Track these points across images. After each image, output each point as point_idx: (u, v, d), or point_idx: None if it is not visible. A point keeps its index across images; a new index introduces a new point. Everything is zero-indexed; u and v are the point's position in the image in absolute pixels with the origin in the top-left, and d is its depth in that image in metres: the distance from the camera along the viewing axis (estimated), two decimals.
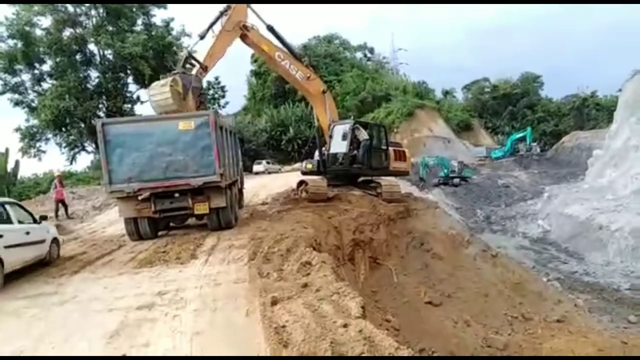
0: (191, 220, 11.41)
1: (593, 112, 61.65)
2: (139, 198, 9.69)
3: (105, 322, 5.01)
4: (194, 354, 4.10)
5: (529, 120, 62.70)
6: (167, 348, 4.24)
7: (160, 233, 10.43)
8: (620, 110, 26.92)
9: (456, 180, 37.57)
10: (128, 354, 4.22)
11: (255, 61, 54.91)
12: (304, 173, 14.39)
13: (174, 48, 32.50)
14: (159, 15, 33.56)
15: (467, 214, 29.61)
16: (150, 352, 4.20)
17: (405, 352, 3.45)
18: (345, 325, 3.98)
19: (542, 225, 23.11)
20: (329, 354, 3.41)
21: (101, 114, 30.07)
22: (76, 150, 32.35)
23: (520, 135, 50.84)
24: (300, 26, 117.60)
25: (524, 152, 50.14)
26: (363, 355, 3.37)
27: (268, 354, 3.79)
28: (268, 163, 38.26)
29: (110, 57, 30.78)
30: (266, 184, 20.63)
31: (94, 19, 30.12)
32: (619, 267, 14.64)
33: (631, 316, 10.40)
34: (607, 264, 15.28)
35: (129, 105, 33.10)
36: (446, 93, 68.99)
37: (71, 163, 32.79)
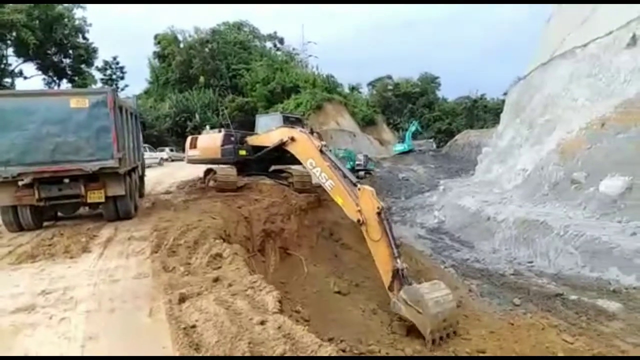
0: (83, 210, 10.28)
1: (481, 113, 67.59)
2: (20, 184, 8.46)
3: None
4: None
5: (426, 119, 67.23)
6: None
7: (45, 224, 9.23)
8: (506, 112, 29.58)
9: (361, 173, 38.84)
10: None
11: (159, 42, 51.69)
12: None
13: (65, 20, 29.33)
14: None
15: None
16: None
17: (327, 349, 3.29)
18: (262, 322, 3.73)
19: (438, 216, 24.52)
20: (247, 355, 3.14)
21: None
22: None
23: (413, 129, 54.31)
24: (209, 10, 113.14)
25: (424, 143, 53.61)
26: (285, 355, 3.14)
27: None
28: (171, 150, 35.96)
29: None
30: (171, 172, 19.47)
31: None
32: (504, 254, 15.98)
33: (515, 299, 11.35)
34: (494, 251, 16.59)
35: (9, 80, 29.28)
36: (352, 88, 71.01)
37: None
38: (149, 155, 28.91)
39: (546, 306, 10.68)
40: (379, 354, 7.25)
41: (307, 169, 10.06)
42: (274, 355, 3.16)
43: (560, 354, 7.78)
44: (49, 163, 8.33)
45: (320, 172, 9.17)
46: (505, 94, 42.07)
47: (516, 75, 31.75)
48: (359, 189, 8.02)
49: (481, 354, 7.59)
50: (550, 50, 23.91)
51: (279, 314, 3.98)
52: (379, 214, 7.66)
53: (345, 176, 9.03)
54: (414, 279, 8.56)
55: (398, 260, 7.81)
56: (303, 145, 10.23)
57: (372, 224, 7.74)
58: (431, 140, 57.45)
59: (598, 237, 12.42)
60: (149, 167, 25.25)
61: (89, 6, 33.52)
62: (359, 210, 7.93)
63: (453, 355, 7.41)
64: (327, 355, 3.20)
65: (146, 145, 30.75)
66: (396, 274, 7.83)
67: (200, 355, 3.30)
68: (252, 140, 13.41)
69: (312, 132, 11.70)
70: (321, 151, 9.45)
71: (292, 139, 10.61)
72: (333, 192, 8.86)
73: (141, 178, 12.73)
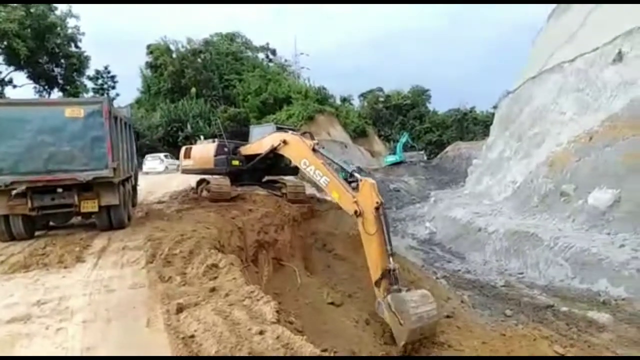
0: (75, 219, 10.22)
1: (471, 125, 68.31)
2: (13, 193, 8.41)
3: None
4: None
5: (417, 130, 67.91)
6: None
7: (37, 233, 9.14)
8: (495, 125, 29.95)
9: (353, 184, 38.93)
10: None
11: (151, 52, 51.72)
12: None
13: (58, 29, 29.26)
14: None
15: None
16: None
17: None
18: (261, 332, 3.75)
19: (429, 227, 24.71)
20: None
21: None
22: None
23: (404, 140, 54.88)
24: (202, 19, 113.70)
25: (415, 154, 54.17)
26: None
27: None
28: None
29: None
30: (163, 182, 19.39)
31: None
32: (495, 265, 16.13)
33: (507, 310, 11.46)
34: (485, 263, 16.73)
35: (0, 88, 29.03)
36: (344, 100, 71.50)
37: None
38: (171, 162, 30.47)
39: (537, 317, 10.78)
40: None
41: (302, 169, 10.08)
42: None
43: None
44: (42, 172, 8.29)
45: (314, 170, 9.25)
46: (494, 107, 42.56)
47: (505, 88, 32.27)
48: (361, 180, 8.02)
49: None
50: (538, 64, 24.36)
51: (277, 324, 4.00)
52: (377, 208, 7.66)
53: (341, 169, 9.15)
54: (405, 285, 8.58)
55: (391, 260, 7.81)
56: (295, 146, 10.30)
57: (368, 217, 7.73)
58: (422, 151, 58.00)
59: (587, 249, 12.60)
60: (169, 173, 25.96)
61: (82, 13, 33.66)
62: (356, 202, 7.94)
63: None
64: None
65: (168, 153, 32.10)
66: (387, 273, 7.83)
67: None
68: (245, 149, 13.44)
69: (303, 134, 11.82)
70: (314, 150, 9.55)
71: (285, 142, 10.69)
72: (329, 188, 8.91)
73: (134, 188, 12.68)
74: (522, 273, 14.71)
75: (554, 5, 26.59)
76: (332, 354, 8.33)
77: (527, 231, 15.61)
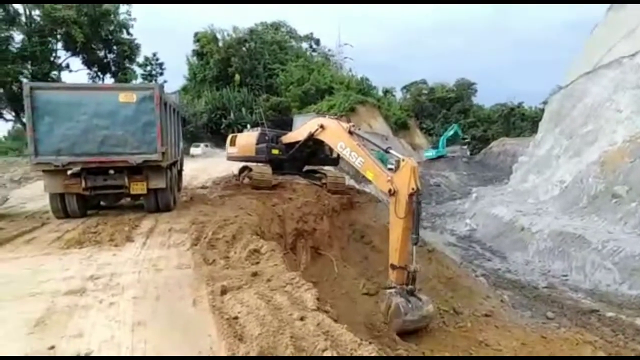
0: (124, 200, 10.70)
1: (518, 121, 65.93)
2: (68, 173, 8.90)
3: (28, 309, 4.45)
4: (136, 346, 3.73)
5: (461, 125, 66.26)
6: (105, 339, 3.82)
7: (89, 212, 9.65)
8: (545, 121, 28.84)
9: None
10: (57, 346, 3.75)
11: (198, 41, 52.87)
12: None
13: (112, 16, 30.45)
14: None
15: None
16: (84, 344, 3.75)
17: (368, 349, 3.36)
18: (302, 318, 3.83)
19: (469, 224, 24.22)
20: (290, 349, 3.24)
21: (24, 79, 27.48)
22: None
23: (451, 133, 53.41)
24: (248, 8, 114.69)
25: (458, 149, 52.78)
26: (327, 352, 3.23)
27: (223, 348, 3.53)
28: (206, 146, 37.21)
29: (39, 18, 28.11)
30: (206, 168, 19.93)
31: None
32: (538, 266, 15.67)
33: (549, 312, 11.14)
34: (527, 263, 16.29)
35: (57, 73, 30.52)
36: (386, 92, 70.55)
37: None
38: None
39: (581, 322, 10.42)
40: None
41: (340, 153, 10.06)
42: (316, 351, 3.25)
43: None
44: (96, 154, 8.75)
45: (350, 152, 9.22)
46: (544, 102, 40.98)
47: (556, 84, 30.99)
48: (402, 160, 7.72)
49: None
50: (594, 59, 23.20)
51: (318, 312, 4.07)
52: (411, 195, 7.37)
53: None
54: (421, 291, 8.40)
55: (414, 261, 7.53)
56: (332, 130, 10.34)
57: (401, 200, 7.40)
58: (465, 146, 56.52)
59: (638, 254, 12.02)
60: None
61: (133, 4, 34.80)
62: (390, 180, 7.72)
63: None
64: (367, 355, 3.27)
65: None
66: (406, 270, 7.61)
67: (245, 345, 3.43)
68: (286, 138, 13.58)
69: (340, 117, 11.80)
70: (350, 132, 9.55)
71: (322, 127, 10.74)
72: (363, 169, 8.80)
73: (179, 172, 13.10)
74: (566, 275, 14.22)
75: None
76: (366, 344, 8.40)
77: (573, 232, 15.05)
